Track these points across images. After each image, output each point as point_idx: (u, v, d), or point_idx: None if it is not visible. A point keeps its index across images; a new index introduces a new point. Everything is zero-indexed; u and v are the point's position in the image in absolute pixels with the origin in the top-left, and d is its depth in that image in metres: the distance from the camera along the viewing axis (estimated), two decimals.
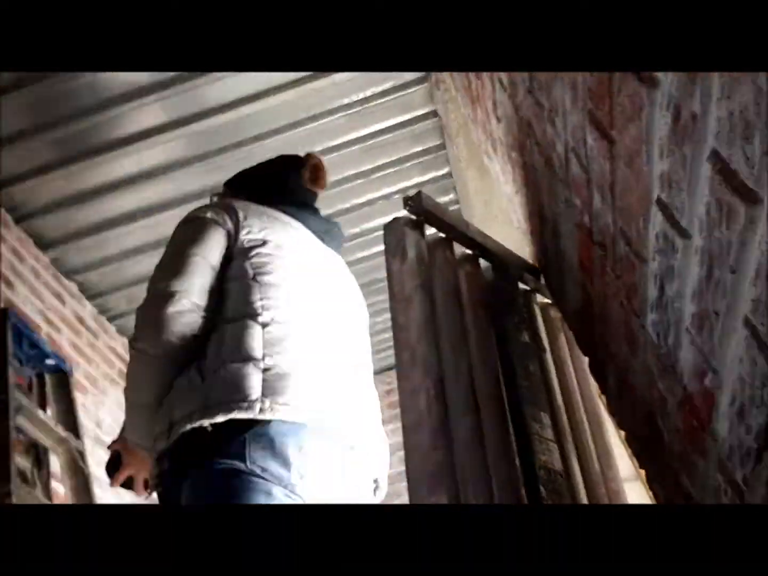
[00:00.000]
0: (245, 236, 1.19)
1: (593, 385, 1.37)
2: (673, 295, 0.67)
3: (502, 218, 2.54)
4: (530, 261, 1.53)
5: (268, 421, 0.98)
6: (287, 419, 1.00)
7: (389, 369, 3.18)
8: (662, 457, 0.90)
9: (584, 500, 1.16)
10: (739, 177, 0.46)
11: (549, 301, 1.49)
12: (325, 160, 2.67)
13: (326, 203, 2.88)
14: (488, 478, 1.03)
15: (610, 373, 1.09)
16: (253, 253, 1.17)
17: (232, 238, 1.19)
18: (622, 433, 1.21)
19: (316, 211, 1.42)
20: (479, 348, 1.20)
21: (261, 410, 0.98)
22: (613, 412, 1.19)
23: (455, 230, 1.30)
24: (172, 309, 1.07)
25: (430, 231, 1.29)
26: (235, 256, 1.17)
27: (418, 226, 1.24)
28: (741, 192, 0.47)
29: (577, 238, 1.03)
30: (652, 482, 1.03)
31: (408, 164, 2.83)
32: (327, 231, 1.38)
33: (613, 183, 0.73)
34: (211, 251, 1.16)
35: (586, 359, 1.30)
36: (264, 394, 0.99)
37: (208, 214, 1.22)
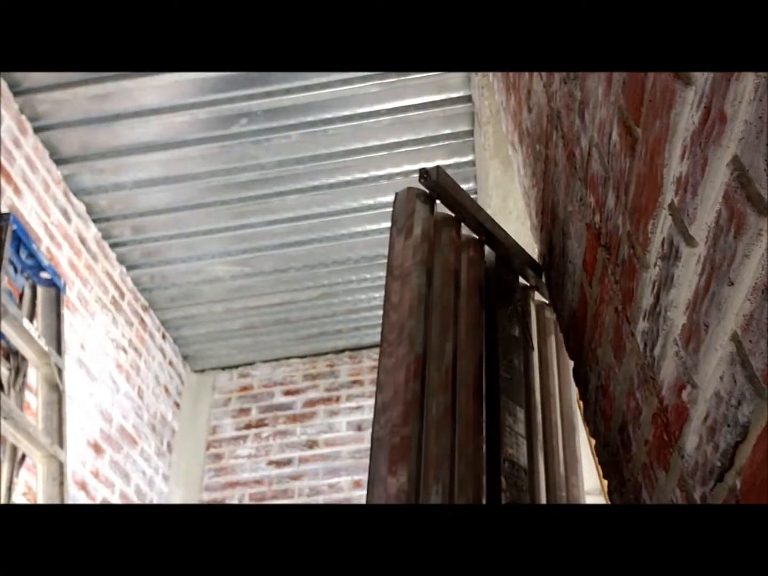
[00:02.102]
0: None
1: (574, 391, 1.37)
2: (667, 304, 0.66)
3: (516, 214, 2.52)
4: (535, 258, 1.52)
5: None
6: None
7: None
8: (627, 469, 0.90)
9: (543, 500, 1.15)
10: (755, 186, 0.45)
11: (546, 301, 1.48)
12: (353, 126, 2.67)
13: (344, 171, 2.87)
14: (452, 460, 1.03)
15: (591, 379, 1.08)
16: None
17: None
18: (593, 443, 1.21)
19: None
20: (467, 333, 1.19)
21: None
22: (588, 420, 1.18)
23: (466, 211, 1.29)
24: None
25: (441, 208, 1.28)
26: None
27: (429, 201, 1.23)
28: (754, 202, 0.45)
29: (585, 238, 1.02)
30: (612, 493, 1.03)
31: (433, 145, 2.81)
32: None
33: (629, 183, 0.72)
34: None
35: (571, 363, 1.30)
36: None
37: None
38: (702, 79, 0.51)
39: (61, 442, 2.15)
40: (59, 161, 2.70)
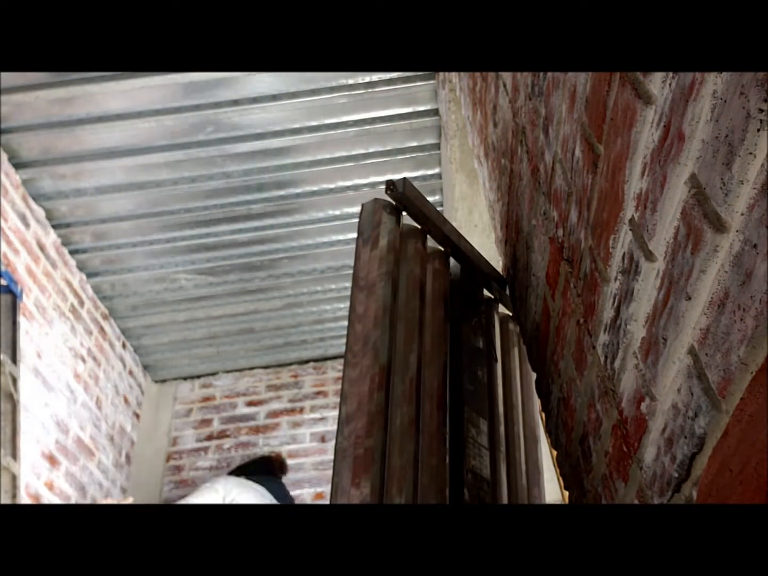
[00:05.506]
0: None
1: (536, 402, 1.38)
2: (627, 317, 0.67)
3: (481, 227, 2.55)
4: (500, 271, 1.53)
5: None
6: None
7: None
8: (587, 480, 0.91)
9: None
10: (711, 204, 0.46)
11: (510, 313, 1.50)
12: (320, 136, 2.66)
13: (311, 181, 2.86)
14: (416, 471, 1.03)
15: (554, 391, 1.09)
16: None
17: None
18: (555, 454, 1.22)
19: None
20: (432, 344, 1.20)
21: None
22: (549, 431, 1.19)
23: (432, 224, 1.30)
24: None
25: (407, 220, 1.28)
26: None
27: (395, 212, 1.23)
28: (710, 219, 0.47)
29: (548, 252, 1.03)
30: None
31: (400, 157, 2.82)
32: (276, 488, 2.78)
33: (591, 198, 0.73)
34: None
35: (534, 375, 1.31)
36: None
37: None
38: (662, 98, 0.53)
39: (14, 454, 2.08)
40: (18, 165, 2.63)
